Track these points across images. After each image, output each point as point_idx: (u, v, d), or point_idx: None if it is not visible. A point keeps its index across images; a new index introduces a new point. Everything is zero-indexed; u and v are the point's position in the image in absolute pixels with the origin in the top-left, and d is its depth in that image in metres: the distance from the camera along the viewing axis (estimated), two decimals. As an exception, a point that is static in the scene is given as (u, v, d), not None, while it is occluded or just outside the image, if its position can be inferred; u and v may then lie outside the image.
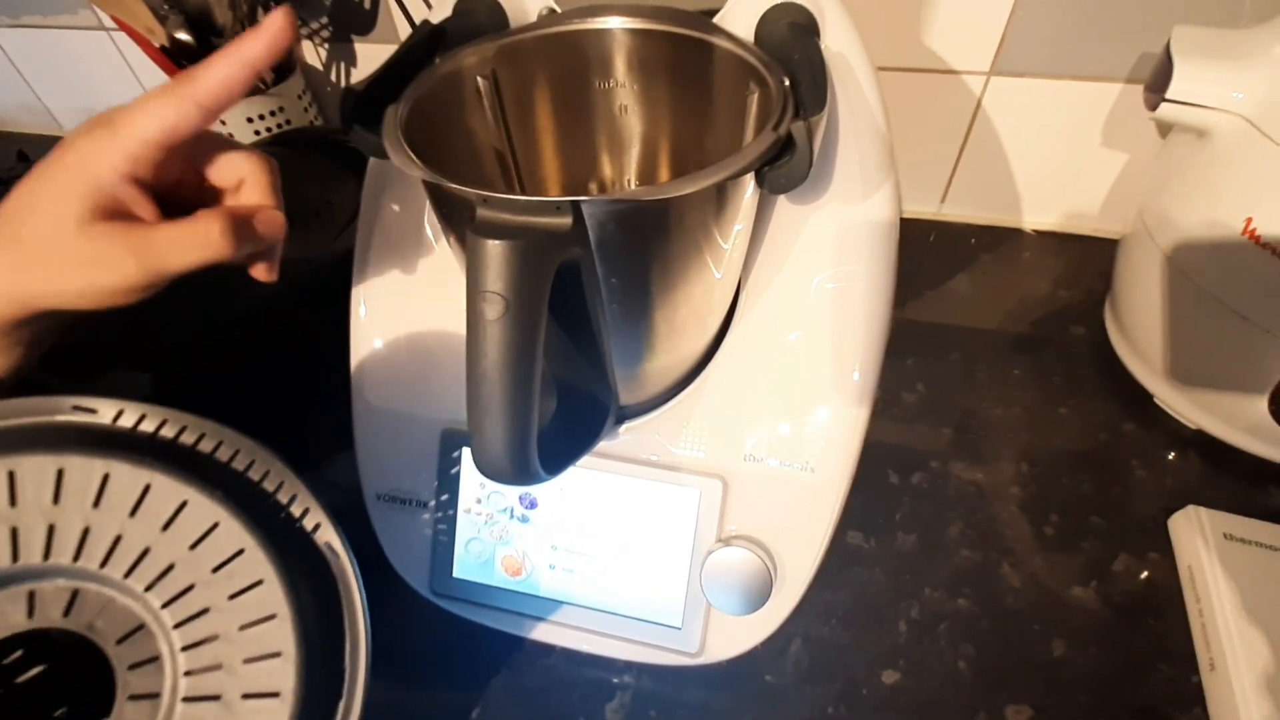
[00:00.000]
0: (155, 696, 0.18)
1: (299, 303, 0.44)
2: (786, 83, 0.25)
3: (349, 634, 0.21)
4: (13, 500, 0.19)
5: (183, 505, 0.19)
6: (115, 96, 0.73)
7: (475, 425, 0.21)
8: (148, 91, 0.23)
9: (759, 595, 0.30)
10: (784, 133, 0.22)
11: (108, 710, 0.19)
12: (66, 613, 0.19)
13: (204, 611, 0.19)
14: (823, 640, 0.35)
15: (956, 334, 0.50)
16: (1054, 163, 0.54)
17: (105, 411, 0.22)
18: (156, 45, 0.54)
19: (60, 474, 0.19)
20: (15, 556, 0.19)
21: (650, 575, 0.32)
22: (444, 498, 0.34)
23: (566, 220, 0.20)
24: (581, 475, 0.32)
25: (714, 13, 0.30)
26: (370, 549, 0.35)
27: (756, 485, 0.31)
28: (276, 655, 0.19)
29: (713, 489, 0.31)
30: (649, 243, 0.23)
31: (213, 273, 0.44)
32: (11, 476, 0.19)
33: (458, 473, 0.34)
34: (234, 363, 0.46)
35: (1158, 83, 0.37)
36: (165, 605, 0.19)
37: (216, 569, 0.19)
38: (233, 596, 0.19)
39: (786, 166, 0.22)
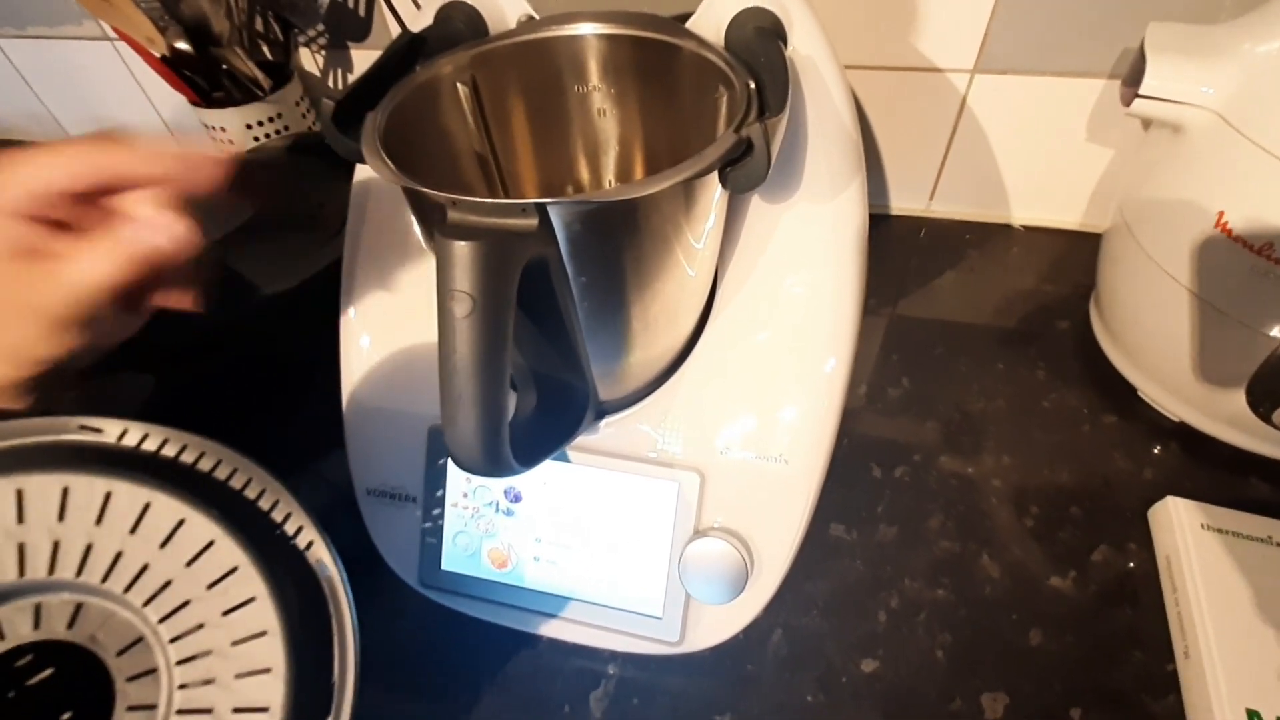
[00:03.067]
0: (152, 708, 0.19)
1: (296, 304, 0.46)
2: (751, 85, 0.26)
3: (338, 650, 0.22)
4: (20, 517, 0.20)
5: (180, 523, 0.20)
6: (120, 104, 0.75)
7: (448, 418, 0.22)
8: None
9: (735, 585, 0.31)
10: (744, 135, 0.23)
11: (107, 712, 0.19)
12: (70, 625, 0.20)
13: (199, 627, 0.20)
14: (803, 630, 0.36)
15: (943, 329, 0.51)
16: (1040, 159, 0.54)
17: (110, 431, 0.22)
18: (157, 55, 0.55)
19: (65, 492, 0.20)
20: (22, 571, 0.20)
21: (631, 566, 0.33)
22: (432, 492, 0.35)
23: (532, 222, 0.21)
24: (563, 469, 0.33)
25: (686, 17, 0.30)
26: (362, 543, 0.36)
27: (733, 478, 0.32)
28: (266, 671, 0.19)
29: (690, 481, 0.32)
30: (616, 242, 0.24)
31: (212, 276, 0.45)
32: (20, 494, 0.20)
33: (445, 468, 0.35)
34: (233, 364, 0.48)
35: (1132, 78, 0.37)
36: (162, 620, 0.19)
37: (211, 586, 0.20)
38: (226, 613, 0.20)
39: (746, 167, 0.23)
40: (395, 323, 0.35)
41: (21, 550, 0.20)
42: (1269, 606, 0.33)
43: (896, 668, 0.35)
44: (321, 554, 0.22)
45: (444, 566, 0.36)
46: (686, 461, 0.32)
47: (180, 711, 0.19)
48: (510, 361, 0.22)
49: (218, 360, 0.48)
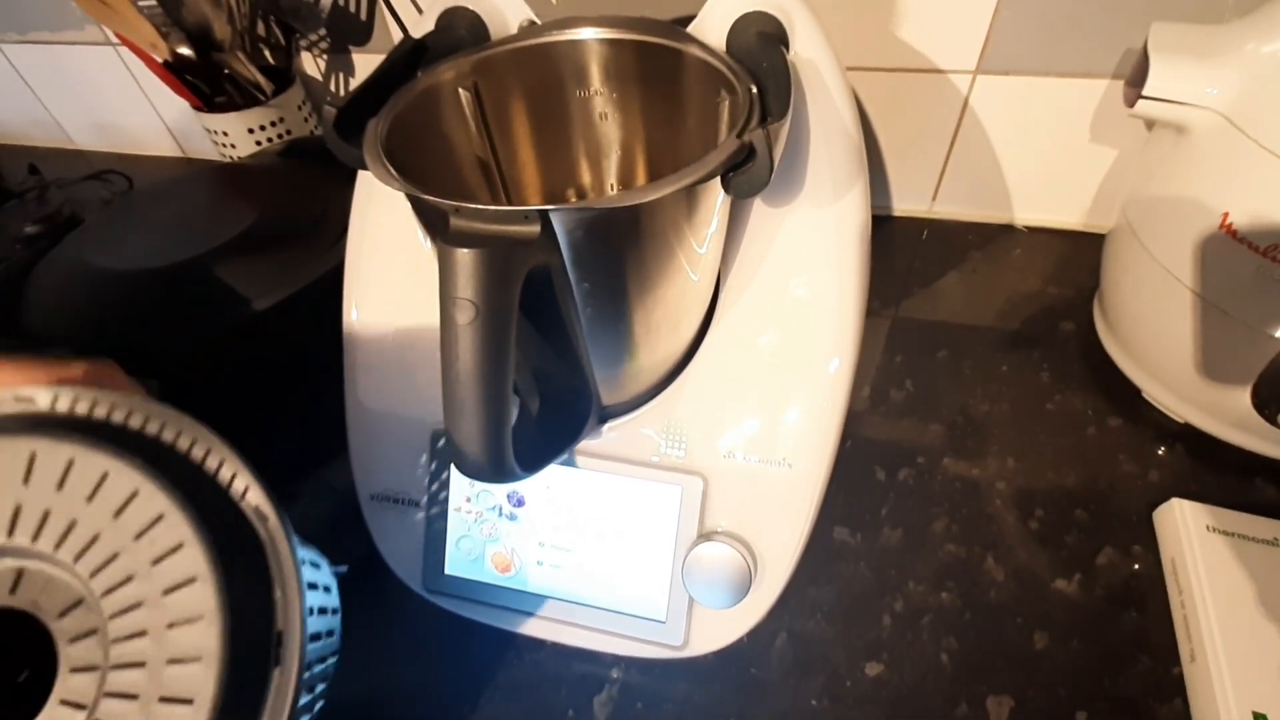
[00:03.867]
0: (95, 669, 0.19)
1: (299, 309, 0.46)
2: (754, 90, 0.26)
3: (281, 597, 0.21)
4: None
5: (104, 476, 0.20)
6: (122, 109, 0.76)
7: (451, 426, 0.22)
8: None
9: (739, 589, 0.31)
10: (746, 140, 0.23)
11: (50, 684, 0.19)
12: (13, 590, 0.20)
13: (128, 579, 0.19)
14: (808, 634, 0.36)
15: (946, 331, 0.50)
16: (1043, 159, 0.54)
17: (41, 399, 0.22)
18: (159, 60, 0.55)
19: None
20: None
21: (635, 570, 0.33)
22: (435, 497, 0.35)
23: (535, 228, 0.21)
24: (566, 473, 0.33)
25: (688, 21, 0.30)
26: (365, 548, 0.36)
27: (736, 481, 0.32)
28: (199, 619, 0.19)
29: (694, 486, 0.32)
30: (618, 248, 0.24)
31: (217, 284, 0.45)
32: None
33: (448, 472, 0.35)
34: (237, 369, 0.48)
35: (1136, 79, 0.37)
36: (93, 575, 0.19)
37: (138, 536, 0.19)
38: (155, 562, 0.19)
39: (749, 172, 0.23)
40: (398, 327, 0.35)
41: None
42: (1276, 609, 0.33)
43: (901, 672, 0.35)
44: (258, 499, 0.21)
45: (447, 571, 0.36)
46: (690, 465, 0.32)
47: (115, 666, 0.19)
48: (513, 368, 0.22)
49: (221, 365, 0.48)
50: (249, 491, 0.22)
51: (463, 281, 0.20)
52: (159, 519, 0.19)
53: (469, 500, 0.35)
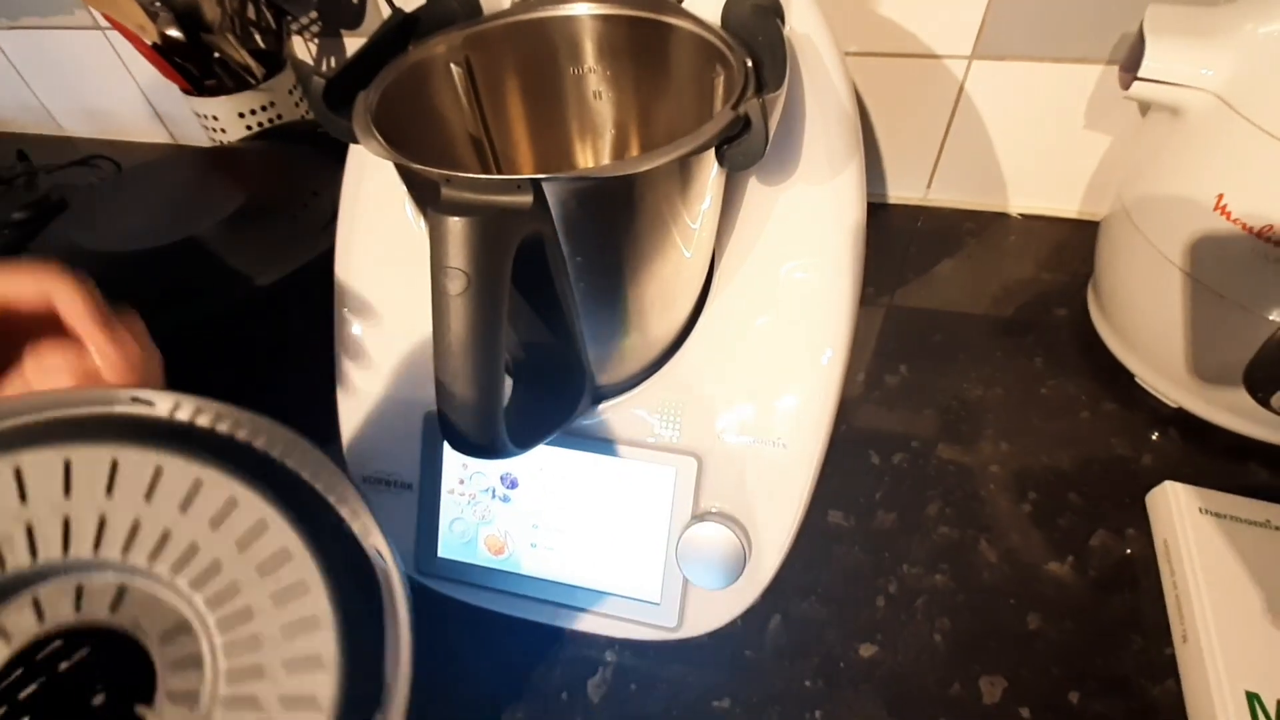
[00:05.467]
0: (195, 696, 0.18)
1: (289, 291, 0.45)
2: (749, 63, 0.25)
3: (391, 644, 0.20)
4: (67, 491, 0.18)
5: (231, 503, 0.19)
6: (112, 94, 0.75)
7: (442, 398, 0.22)
8: None
9: (733, 569, 0.31)
10: (742, 111, 0.23)
11: (146, 699, 0.18)
12: (114, 608, 0.19)
13: (247, 613, 0.18)
14: (802, 616, 0.36)
15: (941, 318, 0.50)
16: (1038, 146, 0.54)
17: (162, 404, 0.20)
18: (148, 42, 0.55)
19: (114, 466, 0.19)
20: (66, 548, 0.18)
21: (629, 552, 0.33)
22: (427, 479, 0.35)
23: (527, 198, 0.21)
24: (560, 455, 0.33)
25: (683, -4, 0.30)
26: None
27: (730, 462, 0.32)
28: (317, 663, 0.18)
29: (688, 466, 0.32)
30: (612, 220, 0.24)
31: (207, 266, 0.45)
32: (67, 466, 0.18)
33: (441, 454, 0.35)
34: (226, 351, 0.47)
35: (1131, 62, 0.37)
36: (209, 604, 0.18)
37: (262, 570, 0.18)
38: (277, 600, 0.18)
39: (744, 144, 0.23)
40: (389, 309, 0.35)
41: (66, 525, 0.18)
42: (1267, 590, 0.33)
43: (895, 653, 0.34)
44: (378, 542, 0.20)
45: (440, 554, 0.35)
46: (684, 446, 0.32)
47: (226, 700, 0.18)
48: (505, 341, 0.22)
49: (210, 348, 0.47)
50: (370, 533, 0.20)
51: (454, 250, 0.20)
52: (284, 554, 0.18)
53: (462, 482, 0.35)
